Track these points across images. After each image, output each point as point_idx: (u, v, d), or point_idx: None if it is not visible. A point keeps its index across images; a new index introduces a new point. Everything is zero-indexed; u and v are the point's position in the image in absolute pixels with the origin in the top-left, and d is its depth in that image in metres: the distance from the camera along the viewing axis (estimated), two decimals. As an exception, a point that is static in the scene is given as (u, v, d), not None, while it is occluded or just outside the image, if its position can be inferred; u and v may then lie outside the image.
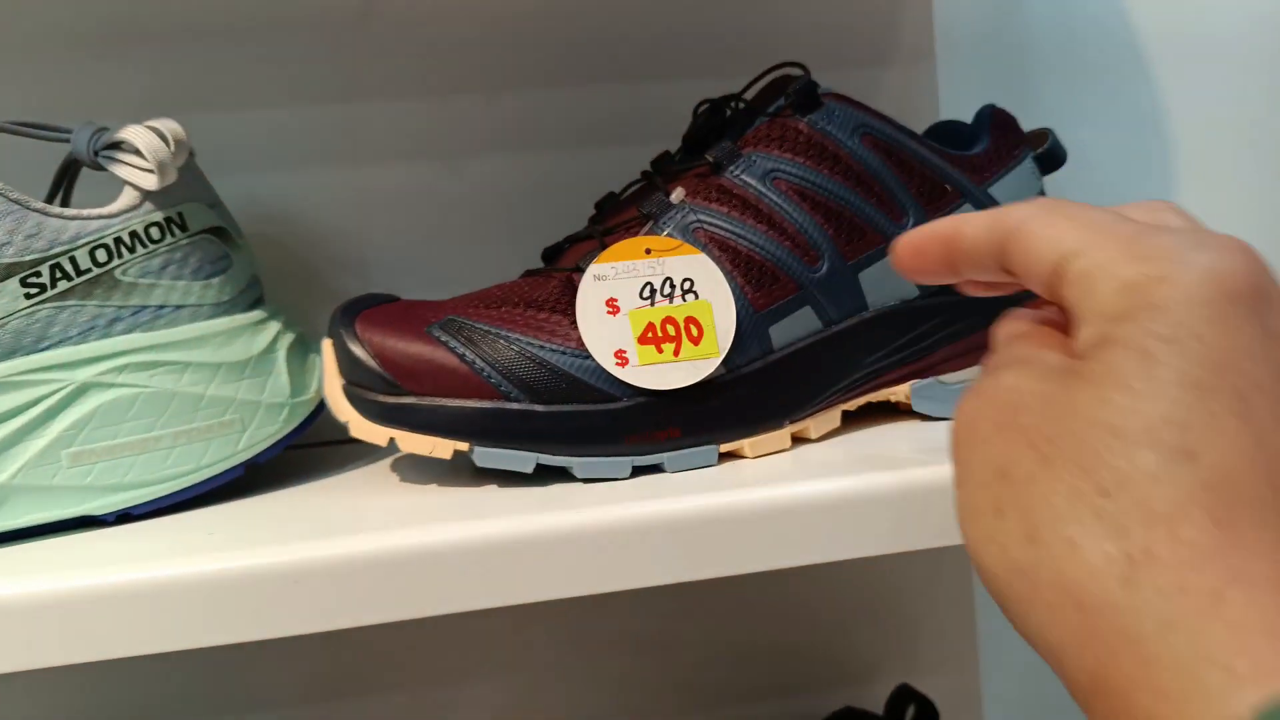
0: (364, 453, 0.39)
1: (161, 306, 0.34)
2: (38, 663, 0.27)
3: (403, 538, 0.28)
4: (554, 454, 0.32)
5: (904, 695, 0.45)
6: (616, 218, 0.37)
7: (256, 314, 0.36)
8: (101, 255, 0.32)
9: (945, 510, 0.30)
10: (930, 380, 0.37)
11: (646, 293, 0.33)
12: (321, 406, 0.37)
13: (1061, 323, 0.24)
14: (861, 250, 0.36)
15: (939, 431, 0.35)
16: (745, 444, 0.34)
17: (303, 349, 0.37)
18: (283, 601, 0.27)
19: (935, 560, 0.51)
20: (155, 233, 0.34)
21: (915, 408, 0.37)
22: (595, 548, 0.29)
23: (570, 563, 0.29)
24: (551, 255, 0.40)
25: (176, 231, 0.34)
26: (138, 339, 0.33)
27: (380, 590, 0.28)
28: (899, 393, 0.37)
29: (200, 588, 0.27)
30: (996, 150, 0.39)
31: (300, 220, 0.44)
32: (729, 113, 0.39)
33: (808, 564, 0.30)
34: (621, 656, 0.49)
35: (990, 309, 0.38)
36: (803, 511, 0.30)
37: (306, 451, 0.40)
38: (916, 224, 0.36)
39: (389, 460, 0.38)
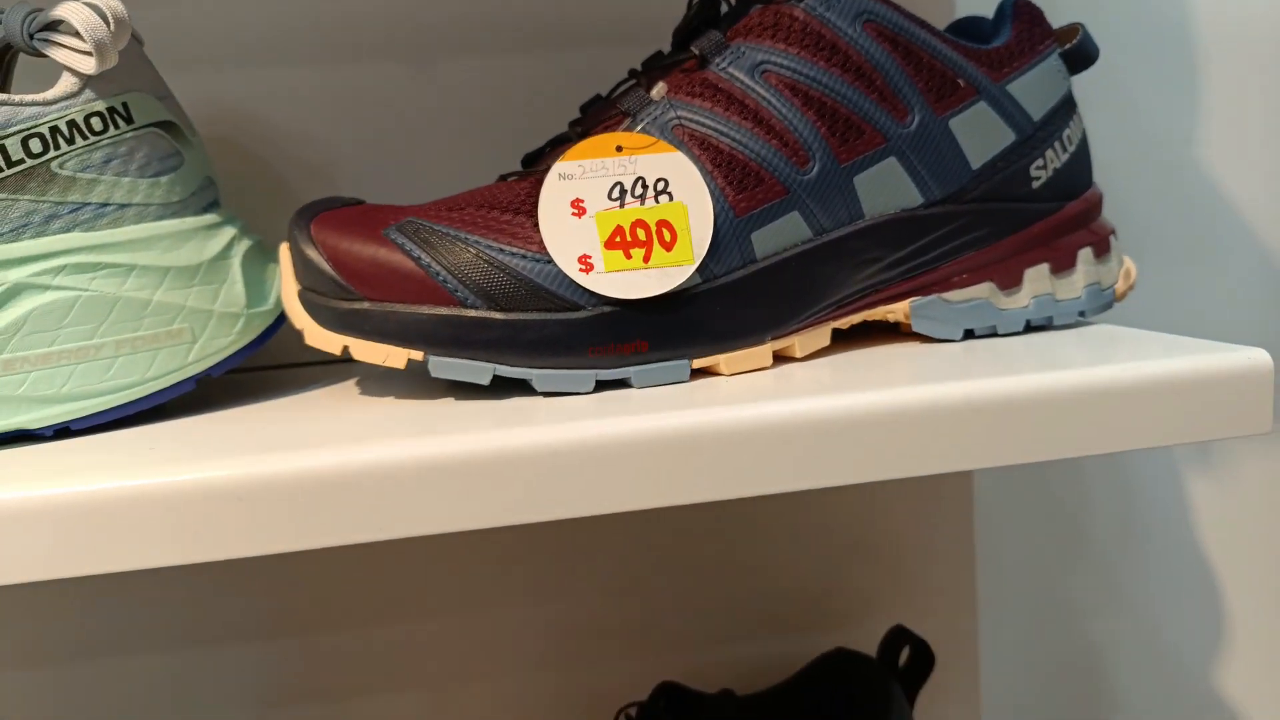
0: (324, 375, 0.37)
1: (104, 204, 0.32)
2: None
3: (354, 454, 0.26)
4: (512, 365, 0.30)
5: (899, 637, 0.43)
6: (599, 119, 0.35)
7: (210, 217, 0.34)
8: (36, 145, 0.30)
9: (940, 434, 0.27)
10: (933, 298, 0.34)
11: (616, 193, 0.30)
12: (280, 320, 0.35)
13: None
14: (858, 151, 0.32)
15: (939, 354, 0.33)
16: (721, 360, 0.31)
17: (261, 257, 0.35)
18: (228, 521, 0.25)
19: (934, 496, 0.48)
20: (96, 123, 0.31)
21: (915, 328, 0.34)
22: (554, 469, 0.26)
23: (528, 485, 0.26)
24: (532, 161, 0.37)
25: (120, 123, 0.32)
26: (77, 238, 0.31)
27: (331, 510, 0.26)
28: (897, 311, 0.34)
29: (140, 504, 0.25)
30: (1019, 43, 0.35)
31: (261, 122, 0.41)
32: (724, 5, 0.36)
33: (787, 491, 0.28)
34: (604, 598, 0.47)
35: (1003, 222, 0.35)
36: (783, 433, 0.27)
37: (263, 374, 0.38)
38: (923, 123, 0.33)
39: (350, 380, 0.36)
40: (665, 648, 0.47)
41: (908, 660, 0.43)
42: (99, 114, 0.31)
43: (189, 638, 0.45)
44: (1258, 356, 0.29)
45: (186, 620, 0.45)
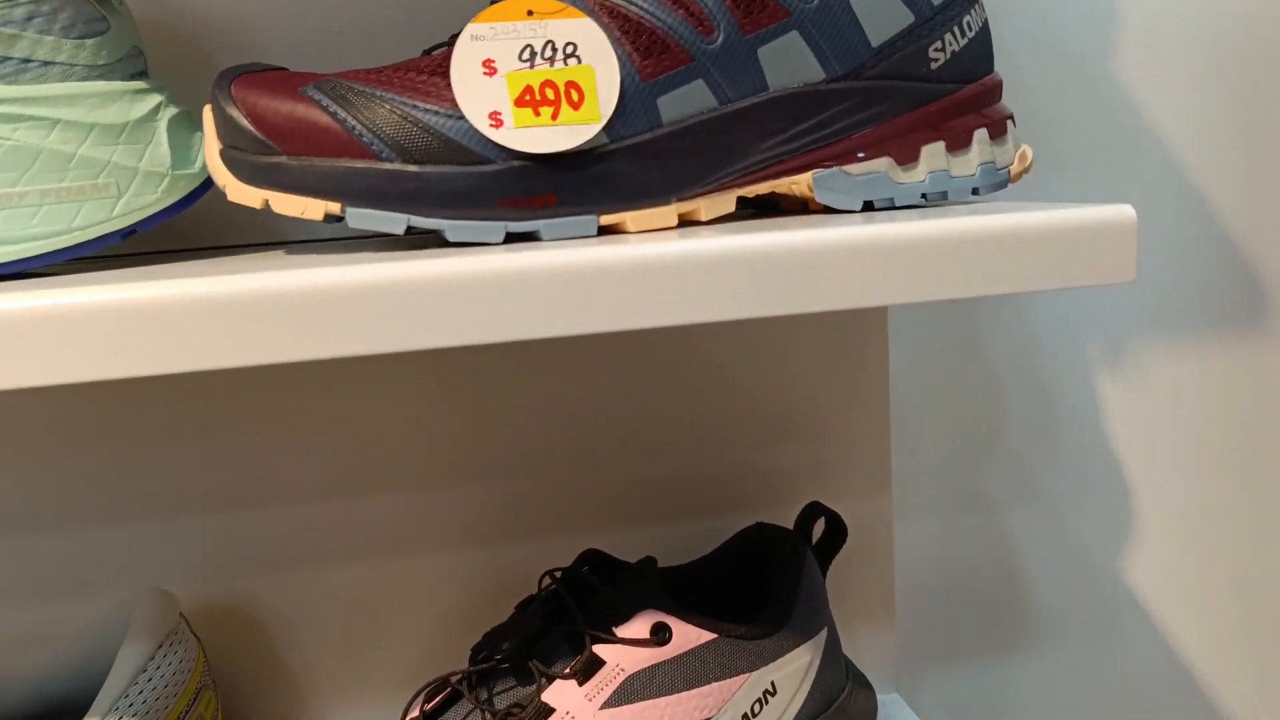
0: (252, 252, 0.39)
1: (27, 60, 0.32)
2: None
3: (281, 279, 0.27)
4: (426, 215, 0.31)
5: (813, 511, 0.46)
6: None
7: (137, 84, 0.35)
8: (-46, -4, 0.31)
9: (838, 272, 0.29)
10: (834, 170, 0.36)
11: (526, 55, 0.32)
12: (206, 186, 0.36)
13: None
14: (762, 24, 0.34)
15: (840, 220, 0.34)
16: (628, 217, 0.33)
17: (188, 125, 0.36)
18: (172, 335, 0.26)
19: (852, 385, 0.50)
20: (17, -19, 0.32)
21: (817, 198, 0.36)
22: (467, 295, 0.28)
23: (443, 310, 0.28)
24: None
25: (42, -17, 0.33)
26: (-1, 90, 0.32)
27: (258, 330, 0.27)
28: (801, 183, 0.36)
29: (86, 318, 0.26)
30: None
31: (190, 6, 0.42)
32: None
33: (690, 323, 0.29)
34: (531, 476, 0.49)
35: (901, 99, 0.37)
36: (688, 268, 0.29)
37: (191, 253, 0.39)
38: None
39: (278, 251, 0.38)
40: (592, 526, 0.49)
41: (822, 533, 0.46)
42: (20, -29, 0.32)
43: (133, 512, 0.46)
44: (1124, 211, 0.31)
45: (132, 494, 0.46)
